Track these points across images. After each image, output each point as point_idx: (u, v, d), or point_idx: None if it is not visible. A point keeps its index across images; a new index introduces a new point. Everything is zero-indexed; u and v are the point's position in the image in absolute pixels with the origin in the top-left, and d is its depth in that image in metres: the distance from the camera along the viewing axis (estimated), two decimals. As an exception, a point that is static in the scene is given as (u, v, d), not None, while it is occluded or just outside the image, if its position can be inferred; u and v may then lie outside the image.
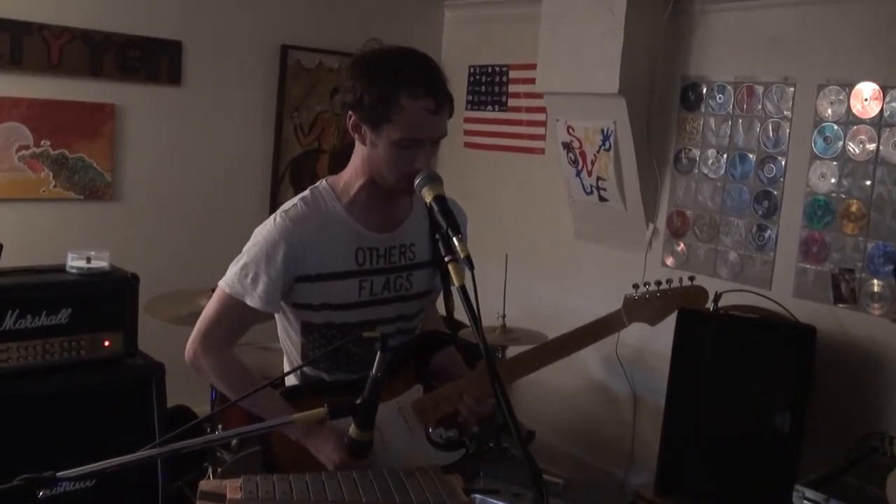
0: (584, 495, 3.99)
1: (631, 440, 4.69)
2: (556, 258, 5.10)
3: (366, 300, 2.24)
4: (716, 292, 3.88)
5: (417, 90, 2.05)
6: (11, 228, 4.27)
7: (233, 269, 2.23)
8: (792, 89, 4.01)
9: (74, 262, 3.23)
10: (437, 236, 1.90)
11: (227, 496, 1.78)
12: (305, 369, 2.32)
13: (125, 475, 3.07)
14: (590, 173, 4.64)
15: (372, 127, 2.11)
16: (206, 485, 1.90)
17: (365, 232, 2.23)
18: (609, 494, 4.49)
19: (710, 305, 3.86)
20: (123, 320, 3.26)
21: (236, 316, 2.25)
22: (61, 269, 3.24)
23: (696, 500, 3.76)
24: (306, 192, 2.25)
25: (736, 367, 3.76)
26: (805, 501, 3.03)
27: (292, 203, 2.22)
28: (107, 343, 3.22)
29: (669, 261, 4.55)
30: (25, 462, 1.51)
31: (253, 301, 2.18)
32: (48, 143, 4.48)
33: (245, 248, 2.22)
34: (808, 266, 3.97)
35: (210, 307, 2.28)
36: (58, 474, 1.47)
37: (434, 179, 2.02)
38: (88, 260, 3.25)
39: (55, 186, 4.55)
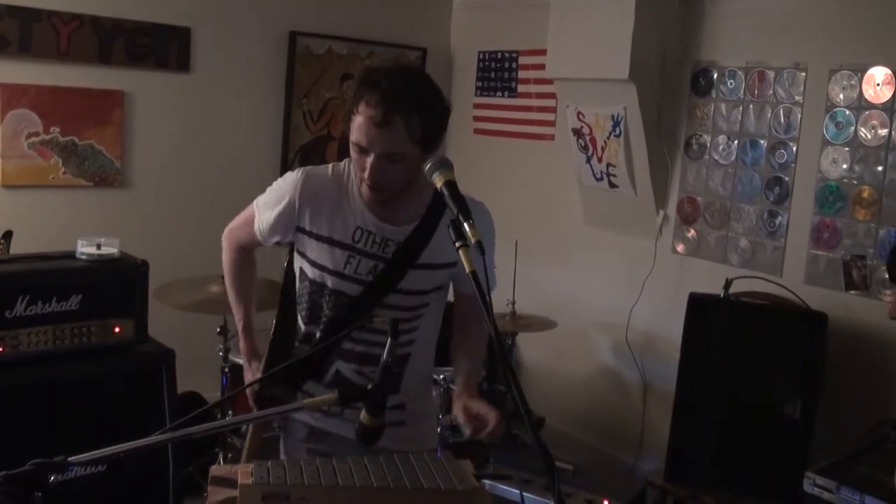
0: (594, 482, 3.98)
1: (641, 427, 4.69)
2: (565, 245, 5.09)
3: (349, 275, 2.29)
4: (726, 279, 3.87)
5: (372, 98, 2.09)
6: (21, 215, 4.29)
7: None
8: (803, 74, 3.98)
9: (84, 249, 3.22)
10: (448, 222, 1.88)
11: (239, 481, 1.78)
12: (299, 319, 2.45)
13: (136, 461, 3.04)
14: (600, 159, 4.62)
15: (348, 125, 2.21)
16: (217, 470, 1.91)
17: (369, 216, 2.29)
18: (619, 481, 4.48)
19: (720, 292, 3.85)
20: (134, 307, 3.25)
21: (250, 228, 2.47)
22: (71, 255, 3.23)
23: (707, 486, 3.75)
24: (343, 161, 2.37)
25: (747, 354, 3.75)
26: (816, 488, 3.01)
27: (326, 165, 2.38)
28: (117, 329, 3.21)
29: (680, 247, 4.53)
30: (36, 448, 1.50)
31: (256, 224, 2.43)
32: (57, 129, 4.49)
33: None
34: (819, 252, 3.95)
35: (246, 209, 2.52)
36: (69, 459, 1.47)
37: (444, 165, 2.01)
38: (98, 246, 3.24)
39: (65, 173, 4.55)
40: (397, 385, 2.36)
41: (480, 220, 2.32)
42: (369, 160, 2.15)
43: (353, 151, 2.20)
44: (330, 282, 2.31)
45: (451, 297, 2.50)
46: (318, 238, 2.30)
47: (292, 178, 2.35)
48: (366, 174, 2.16)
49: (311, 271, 2.34)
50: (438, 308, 2.45)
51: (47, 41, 4.39)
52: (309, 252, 2.33)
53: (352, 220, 2.29)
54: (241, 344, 2.61)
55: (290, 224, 2.34)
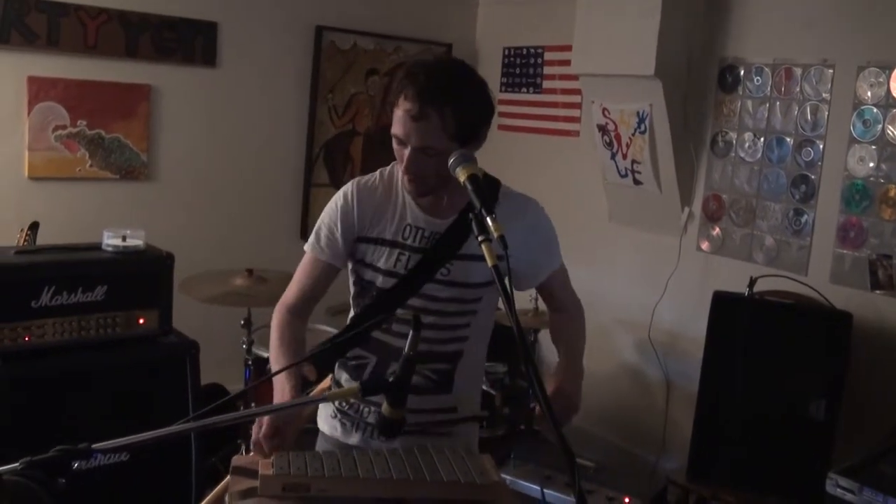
0: (615, 479, 3.98)
1: (663, 425, 4.67)
2: (590, 241, 5.07)
3: (399, 272, 2.30)
4: (751, 277, 3.84)
5: (410, 92, 2.12)
6: (47, 207, 4.33)
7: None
8: (831, 71, 3.95)
9: (110, 241, 3.26)
10: (471, 216, 1.88)
11: (260, 472, 1.79)
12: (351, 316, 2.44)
13: (159, 450, 3.10)
14: (625, 156, 4.61)
15: (390, 116, 2.23)
16: (238, 460, 1.92)
17: (417, 212, 2.31)
18: (641, 479, 4.48)
19: (745, 291, 3.83)
20: (158, 298, 3.28)
21: (311, 271, 2.41)
22: (97, 247, 3.26)
23: (729, 486, 3.73)
24: (388, 166, 2.40)
25: (771, 354, 3.73)
26: (838, 489, 2.99)
27: (373, 172, 2.41)
28: (141, 321, 3.24)
29: (705, 245, 4.51)
30: (60, 437, 1.52)
31: (318, 253, 2.37)
32: (84, 123, 4.52)
33: None
34: (845, 251, 3.92)
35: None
36: (92, 446, 1.48)
37: (467, 159, 2.02)
38: (124, 238, 3.27)
39: (91, 166, 4.59)
40: (450, 384, 2.35)
41: (532, 217, 2.37)
42: (406, 152, 2.17)
43: (394, 143, 2.22)
44: (379, 280, 2.32)
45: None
46: (373, 241, 2.33)
47: (345, 189, 2.39)
48: (405, 168, 2.19)
49: (367, 273, 2.36)
50: (492, 304, 2.42)
51: (75, 35, 4.43)
52: (366, 257, 2.35)
53: (401, 217, 2.32)
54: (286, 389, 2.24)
55: (351, 233, 2.35)
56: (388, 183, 2.37)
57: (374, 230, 2.33)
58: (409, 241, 2.30)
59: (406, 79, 2.14)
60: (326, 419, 2.47)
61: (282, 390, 2.19)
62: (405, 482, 1.82)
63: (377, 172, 2.40)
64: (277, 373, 2.22)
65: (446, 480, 1.84)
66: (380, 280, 2.32)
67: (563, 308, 2.56)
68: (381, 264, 2.32)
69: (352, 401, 2.39)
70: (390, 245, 2.31)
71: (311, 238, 2.41)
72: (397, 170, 2.35)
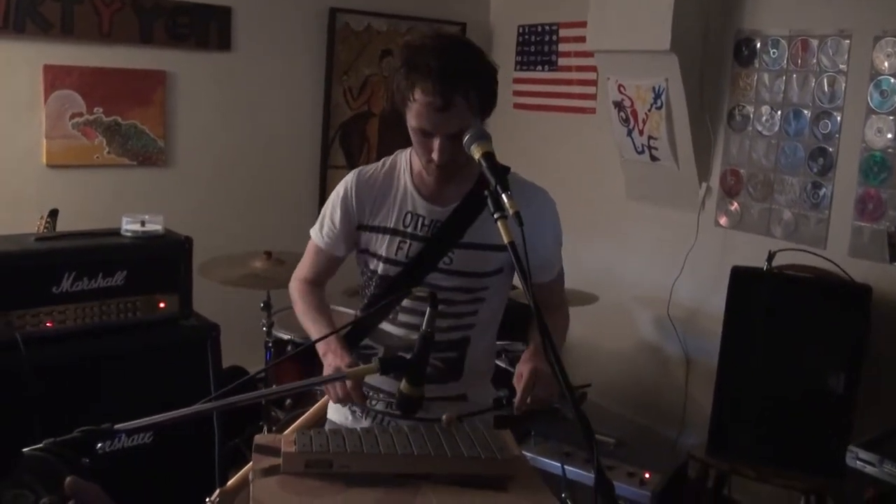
0: (635, 455, 3.98)
1: (683, 401, 4.67)
2: (607, 219, 5.07)
3: (402, 260, 2.31)
4: (769, 252, 3.83)
5: (427, 85, 2.08)
6: (66, 194, 4.36)
7: None
8: (847, 42, 3.91)
9: (129, 226, 3.28)
10: (486, 193, 1.88)
11: (282, 449, 1.81)
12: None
13: (182, 433, 3.13)
14: (641, 132, 4.59)
15: (403, 110, 2.21)
16: (261, 438, 1.94)
17: (419, 199, 2.31)
18: (661, 454, 4.47)
19: (763, 265, 3.82)
20: (178, 282, 3.30)
21: (315, 257, 2.50)
22: (116, 232, 3.29)
23: (749, 460, 3.74)
24: (391, 156, 2.43)
25: (790, 328, 3.71)
26: (858, 462, 2.99)
27: (376, 162, 2.44)
28: (162, 305, 3.27)
29: (723, 220, 4.50)
30: (83, 422, 1.53)
31: (319, 241, 2.45)
32: (101, 110, 4.54)
33: None
34: (863, 224, 3.90)
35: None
36: (115, 426, 1.50)
37: (482, 136, 2.02)
38: (143, 223, 3.30)
39: (109, 153, 4.61)
40: (459, 372, 2.36)
41: (541, 208, 2.37)
42: (436, 142, 2.14)
43: (415, 136, 2.19)
44: (381, 268, 2.34)
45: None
46: (375, 230, 2.34)
47: (345, 179, 2.41)
48: (434, 155, 2.16)
49: (371, 262, 2.37)
50: (501, 292, 2.42)
51: (89, 23, 4.44)
52: (370, 246, 2.36)
53: (402, 205, 2.32)
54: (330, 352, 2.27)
55: (351, 223, 2.37)
56: (390, 171, 2.37)
57: (376, 219, 2.34)
58: (409, 229, 2.30)
59: (416, 70, 2.10)
60: (337, 408, 2.47)
61: (328, 345, 2.25)
62: (426, 458, 1.83)
63: (380, 161, 2.42)
64: (319, 340, 2.26)
65: (467, 456, 1.85)
66: (381, 268, 2.33)
67: (550, 313, 2.39)
68: (382, 252, 2.33)
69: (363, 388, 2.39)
70: (391, 233, 2.32)
71: (316, 226, 2.47)
72: (401, 158, 2.37)
